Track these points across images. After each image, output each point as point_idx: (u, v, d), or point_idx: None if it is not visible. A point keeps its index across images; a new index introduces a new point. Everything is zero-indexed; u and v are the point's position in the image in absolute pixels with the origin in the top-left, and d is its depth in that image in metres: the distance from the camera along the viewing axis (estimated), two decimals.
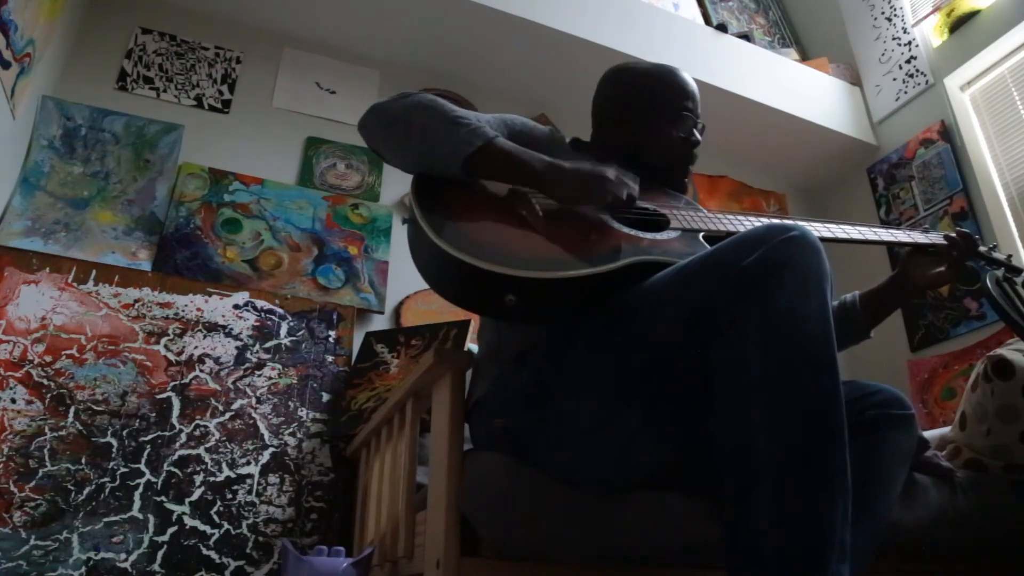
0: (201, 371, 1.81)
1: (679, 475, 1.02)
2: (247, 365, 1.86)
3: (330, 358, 1.97)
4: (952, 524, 1.28)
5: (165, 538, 1.60)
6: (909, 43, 2.89)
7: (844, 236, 1.19)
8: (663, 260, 0.92)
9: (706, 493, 1.01)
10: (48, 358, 1.67)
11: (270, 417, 1.82)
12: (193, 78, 2.24)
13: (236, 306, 1.92)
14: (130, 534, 1.58)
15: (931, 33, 2.85)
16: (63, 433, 1.62)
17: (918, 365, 2.59)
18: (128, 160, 2.01)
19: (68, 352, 1.70)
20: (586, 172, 0.94)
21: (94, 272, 1.81)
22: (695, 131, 1.21)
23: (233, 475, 1.72)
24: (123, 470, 1.63)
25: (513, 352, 1.03)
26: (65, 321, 1.72)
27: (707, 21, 3.05)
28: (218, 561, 1.62)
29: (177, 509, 1.64)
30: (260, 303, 1.96)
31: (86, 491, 1.58)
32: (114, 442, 1.65)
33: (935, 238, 1.26)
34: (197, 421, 1.74)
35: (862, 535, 0.93)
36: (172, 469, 1.67)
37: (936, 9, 2.81)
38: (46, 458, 1.58)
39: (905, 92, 2.88)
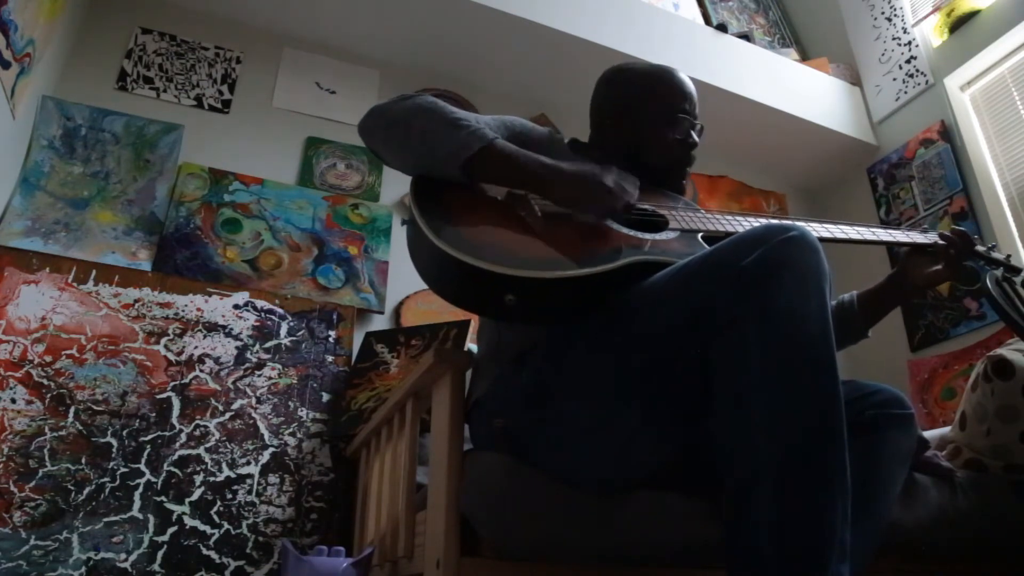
0: (201, 371, 1.81)
1: (679, 475, 1.02)
2: (247, 365, 1.86)
3: (330, 358, 1.97)
4: (952, 524, 1.28)
5: (165, 538, 1.60)
6: (909, 43, 2.89)
7: (843, 236, 1.19)
8: (662, 260, 0.92)
9: (706, 493, 1.02)
10: (48, 358, 1.67)
11: (270, 417, 1.82)
12: (193, 78, 2.24)
13: (236, 306, 1.93)
14: (130, 534, 1.58)
15: (931, 33, 2.85)
16: (63, 433, 1.62)
17: (918, 365, 2.59)
18: (128, 160, 2.02)
19: (68, 352, 1.70)
20: (586, 177, 0.94)
21: (94, 272, 1.81)
22: (693, 133, 1.21)
23: (233, 475, 1.72)
24: (123, 470, 1.63)
25: (513, 352, 1.03)
26: (65, 321, 1.72)
27: (707, 21, 3.05)
28: (218, 561, 1.62)
29: (177, 509, 1.64)
30: (260, 303, 1.96)
31: (86, 491, 1.58)
32: (114, 442, 1.65)
33: (932, 237, 1.26)
34: (197, 421, 1.75)
35: (862, 535, 0.93)
36: (172, 469, 1.67)
37: (936, 9, 2.81)
38: (46, 458, 1.58)
39: (905, 92, 2.88)
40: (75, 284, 1.78)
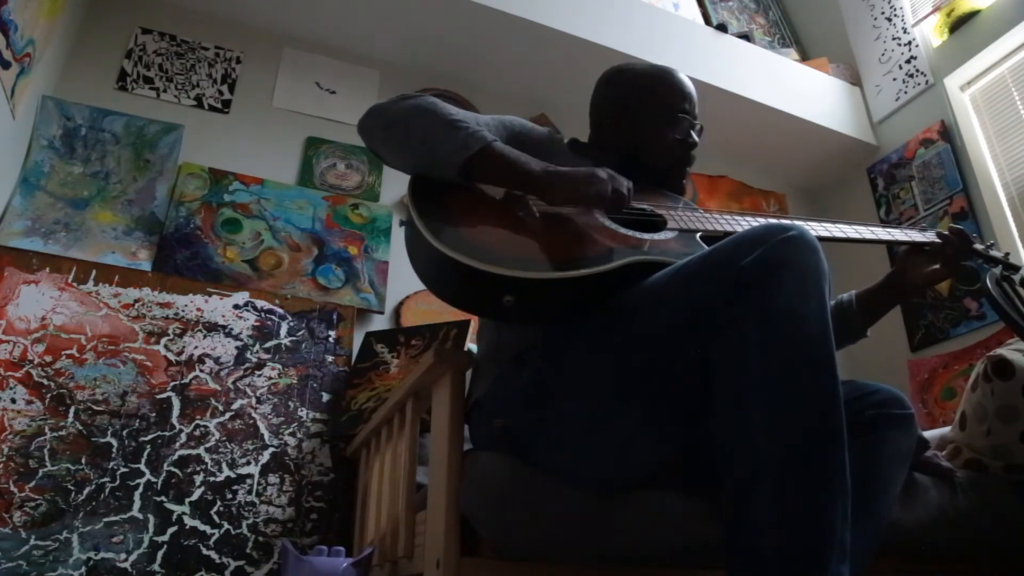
0: (201, 371, 1.81)
1: (679, 475, 1.02)
2: (247, 365, 1.86)
3: (330, 358, 1.97)
4: (952, 524, 1.28)
5: (165, 538, 1.60)
6: (909, 43, 2.89)
7: (841, 235, 1.19)
8: (661, 260, 0.92)
9: (706, 493, 1.02)
10: (48, 358, 1.67)
11: (270, 417, 1.82)
12: (193, 78, 2.24)
13: (236, 306, 1.93)
14: (130, 534, 1.58)
15: (931, 33, 2.85)
16: (63, 433, 1.62)
17: (918, 365, 2.59)
18: (128, 160, 2.02)
19: (68, 352, 1.70)
20: (579, 174, 0.95)
21: (94, 272, 1.81)
22: (693, 133, 1.21)
23: (233, 475, 1.72)
24: (123, 470, 1.63)
25: (513, 352, 1.03)
26: (65, 321, 1.73)
27: (707, 21, 3.05)
28: (218, 561, 1.62)
29: (177, 509, 1.64)
30: (260, 303, 1.96)
31: (86, 491, 1.58)
32: (114, 442, 1.65)
33: (930, 236, 1.26)
34: (197, 421, 1.75)
35: (862, 535, 0.93)
36: (172, 469, 1.67)
37: (936, 9, 2.81)
38: (46, 458, 1.58)
39: (905, 92, 2.88)
40: (75, 284, 1.78)
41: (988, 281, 1.30)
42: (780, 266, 0.76)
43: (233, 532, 1.66)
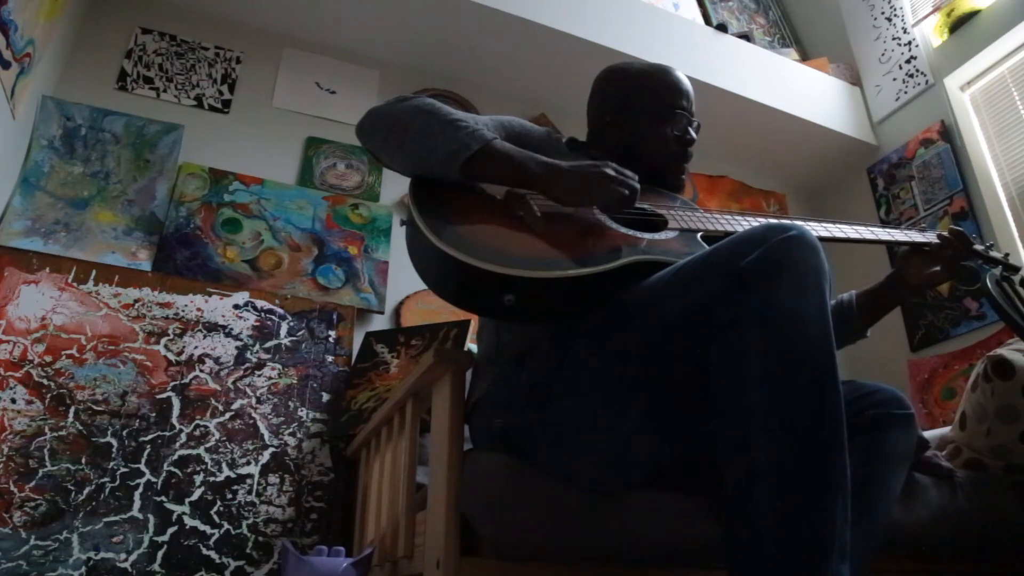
0: (201, 371, 1.81)
1: (679, 475, 1.02)
2: (247, 365, 1.86)
3: (330, 358, 1.97)
4: (952, 524, 1.28)
5: (165, 538, 1.60)
6: (909, 43, 2.89)
7: (841, 235, 1.19)
8: (661, 260, 0.92)
9: (706, 493, 1.02)
10: (48, 358, 1.67)
11: (270, 417, 1.82)
12: (193, 78, 2.24)
13: (236, 306, 1.93)
14: (130, 534, 1.58)
15: (931, 33, 2.85)
16: (63, 433, 1.62)
17: (918, 365, 2.59)
18: (128, 160, 2.02)
19: (68, 352, 1.70)
20: (585, 171, 0.95)
21: (94, 272, 1.81)
22: (690, 129, 1.21)
23: (233, 475, 1.72)
24: (123, 470, 1.63)
25: (513, 352, 1.03)
26: (65, 321, 1.72)
27: (707, 21, 3.05)
28: (218, 561, 1.62)
29: (177, 509, 1.64)
30: (260, 303, 1.96)
31: (86, 491, 1.58)
32: (114, 442, 1.65)
33: (930, 237, 1.26)
34: (197, 421, 1.74)
35: (862, 535, 0.93)
36: (172, 469, 1.67)
37: (936, 9, 2.81)
38: (46, 458, 1.58)
39: (905, 92, 2.88)
40: (75, 284, 1.78)
41: (988, 281, 1.30)
42: (781, 266, 0.76)
43: (233, 532, 1.66)
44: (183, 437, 1.72)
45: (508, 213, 0.96)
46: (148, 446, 1.67)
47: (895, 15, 2.97)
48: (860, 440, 0.95)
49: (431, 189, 0.96)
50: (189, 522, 1.63)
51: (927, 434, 1.53)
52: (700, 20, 3.06)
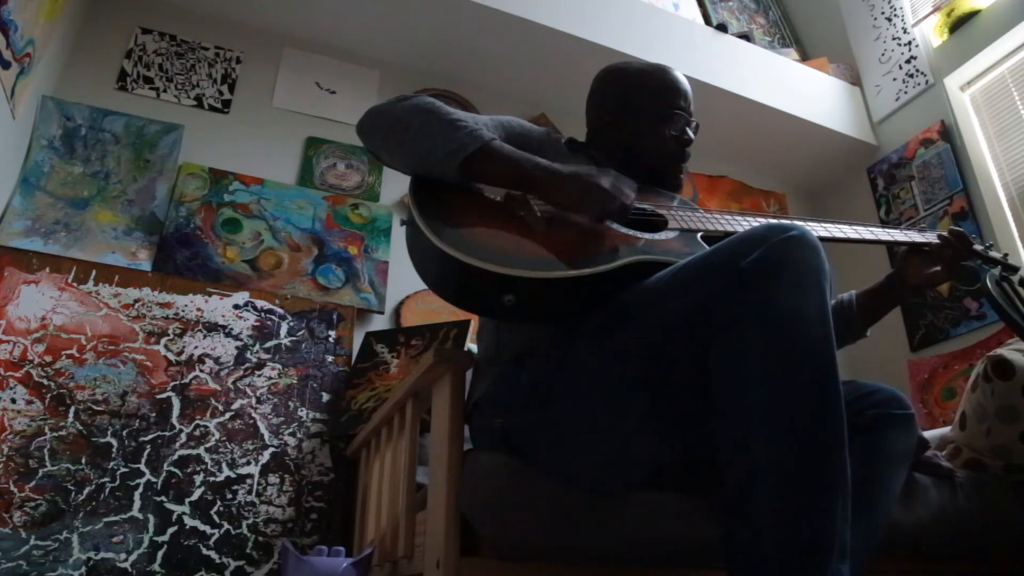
0: (201, 371, 1.81)
1: (679, 475, 1.02)
2: (247, 365, 1.86)
3: (330, 358, 1.97)
4: (952, 524, 1.28)
5: (165, 538, 1.60)
6: (909, 43, 2.89)
7: (841, 235, 1.19)
8: (662, 260, 0.92)
9: (706, 493, 1.02)
10: (48, 358, 1.67)
11: (270, 417, 1.82)
12: (193, 78, 2.24)
13: (236, 306, 1.93)
14: (130, 534, 1.58)
15: (931, 33, 2.85)
16: (63, 433, 1.62)
17: (918, 365, 2.59)
18: (128, 160, 2.02)
19: (68, 352, 1.70)
20: (583, 179, 0.94)
21: (94, 272, 1.81)
22: (688, 130, 1.21)
23: (233, 475, 1.72)
24: (123, 470, 1.63)
25: (513, 352, 1.03)
26: (65, 321, 1.72)
27: (707, 21, 3.05)
28: (218, 561, 1.62)
29: (177, 509, 1.64)
30: (260, 303, 1.96)
31: (86, 491, 1.58)
32: (114, 442, 1.65)
33: (930, 237, 1.26)
34: (197, 421, 1.74)
35: (862, 535, 0.93)
36: (172, 469, 1.67)
37: (936, 9, 2.81)
38: (46, 458, 1.58)
39: (905, 92, 2.88)
40: (75, 284, 1.78)
41: (988, 282, 1.30)
42: (781, 266, 0.76)
43: (233, 532, 1.66)
44: (183, 437, 1.72)
45: (508, 213, 0.96)
46: (148, 446, 1.67)
47: (895, 15, 2.97)
48: (860, 440, 0.95)
49: (431, 189, 0.96)
50: (189, 522, 1.63)
51: (927, 434, 1.53)
52: (700, 20, 3.06)
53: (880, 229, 1.27)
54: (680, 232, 1.04)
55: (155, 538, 1.59)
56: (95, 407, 1.67)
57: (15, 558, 1.47)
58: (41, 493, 1.55)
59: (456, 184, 0.97)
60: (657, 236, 1.01)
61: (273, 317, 1.95)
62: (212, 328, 1.87)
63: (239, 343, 1.88)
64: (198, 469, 1.69)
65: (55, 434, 1.61)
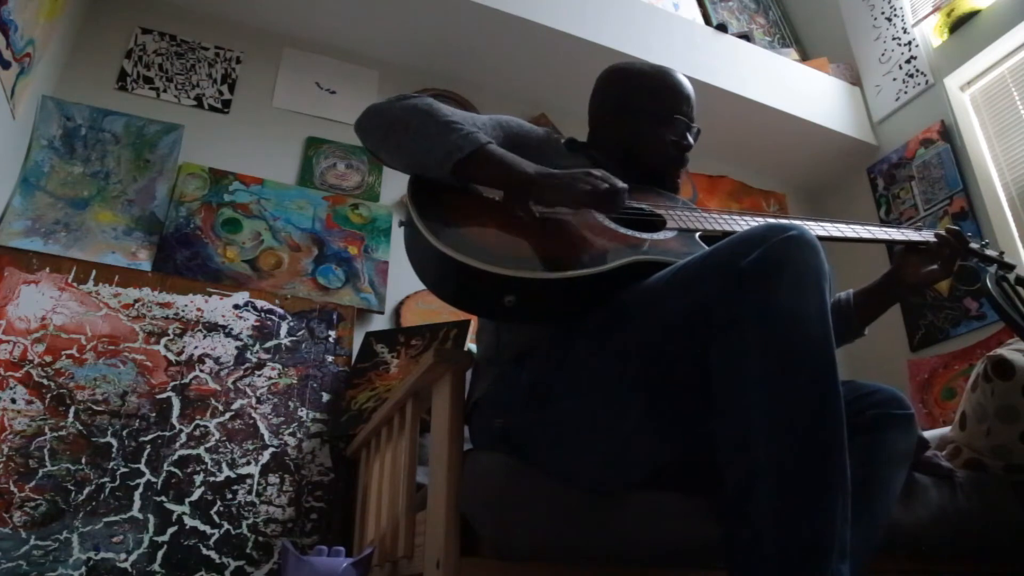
0: (201, 371, 1.81)
1: (679, 475, 1.02)
2: (247, 365, 1.86)
3: (330, 358, 1.97)
4: (952, 524, 1.28)
5: (165, 538, 1.60)
6: (909, 43, 2.89)
7: (841, 235, 1.19)
8: (661, 260, 0.92)
9: (706, 493, 1.02)
10: (48, 358, 1.67)
11: (270, 417, 1.82)
12: (193, 78, 2.24)
13: (236, 306, 1.93)
14: (130, 534, 1.58)
15: (931, 33, 2.85)
16: (63, 433, 1.62)
17: (918, 365, 2.59)
18: (128, 160, 2.02)
19: (68, 352, 1.70)
20: (573, 172, 0.95)
21: (94, 272, 1.81)
22: (688, 135, 1.21)
23: (233, 475, 1.72)
24: (123, 470, 1.63)
25: (513, 352, 1.03)
26: (65, 321, 1.72)
27: (707, 21, 3.05)
28: (218, 561, 1.62)
29: (177, 509, 1.64)
30: (260, 303, 1.96)
31: (86, 491, 1.58)
32: (114, 442, 1.65)
33: (927, 236, 1.26)
34: (197, 421, 1.75)
35: (862, 535, 0.93)
36: (172, 469, 1.67)
37: (936, 9, 2.81)
38: (46, 458, 1.58)
39: (905, 92, 2.88)
40: (75, 284, 1.78)
41: (988, 281, 1.30)
42: (780, 266, 0.76)
43: (233, 532, 1.66)
44: (183, 437, 1.72)
45: (507, 214, 0.96)
46: (148, 446, 1.67)
47: (895, 15, 2.97)
48: (860, 440, 0.95)
49: (430, 190, 0.96)
50: (189, 522, 1.63)
51: (927, 434, 1.53)
52: (700, 20, 3.06)
53: (878, 228, 1.27)
54: (679, 232, 1.04)
55: (155, 538, 1.59)
56: (95, 407, 1.67)
57: (15, 558, 1.47)
58: (41, 493, 1.55)
59: (455, 185, 0.97)
60: (656, 236, 1.01)
61: (273, 317, 1.95)
62: (212, 328, 1.87)
63: (239, 343, 1.88)
64: (198, 469, 1.69)
65: (55, 434, 1.61)
